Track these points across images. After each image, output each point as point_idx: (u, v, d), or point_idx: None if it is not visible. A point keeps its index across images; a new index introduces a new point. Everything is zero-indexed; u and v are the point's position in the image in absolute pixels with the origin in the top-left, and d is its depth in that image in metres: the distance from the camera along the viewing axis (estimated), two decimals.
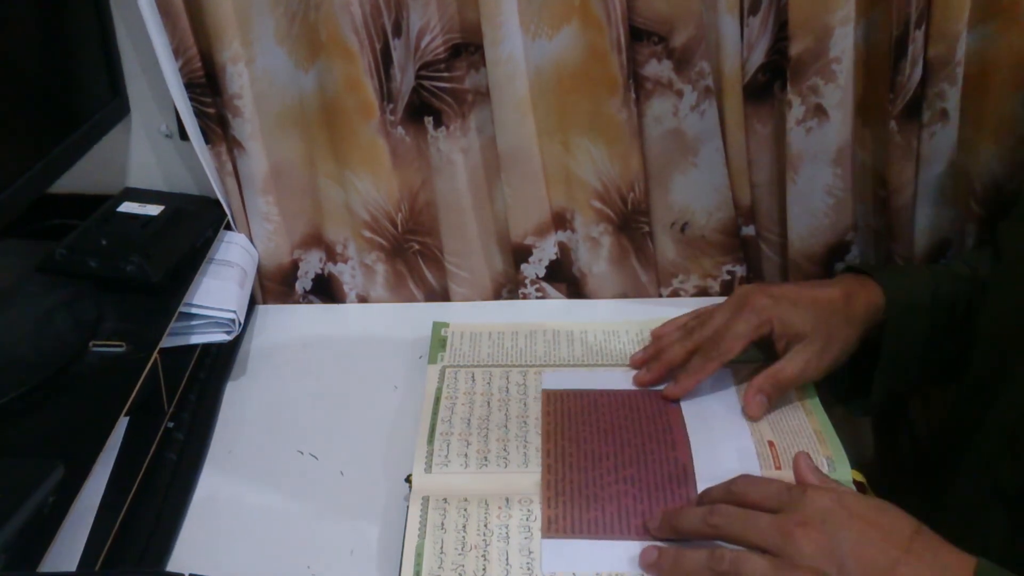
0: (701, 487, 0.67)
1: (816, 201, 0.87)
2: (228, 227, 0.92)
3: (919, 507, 0.67)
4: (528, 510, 0.67)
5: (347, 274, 0.96)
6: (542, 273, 0.94)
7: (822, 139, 0.84)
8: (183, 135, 0.89)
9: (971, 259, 0.81)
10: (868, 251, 0.92)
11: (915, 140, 0.82)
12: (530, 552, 0.63)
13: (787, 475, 0.69)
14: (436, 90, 0.85)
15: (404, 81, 0.86)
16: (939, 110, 0.82)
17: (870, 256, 0.92)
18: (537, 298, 0.95)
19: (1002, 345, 0.68)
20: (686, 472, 0.69)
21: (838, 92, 0.81)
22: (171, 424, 0.76)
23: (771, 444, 0.71)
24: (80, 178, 0.88)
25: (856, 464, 0.69)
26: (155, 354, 0.71)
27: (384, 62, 0.85)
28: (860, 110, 0.84)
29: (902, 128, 0.81)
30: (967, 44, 0.79)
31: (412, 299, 0.97)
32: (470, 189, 0.90)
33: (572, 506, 0.66)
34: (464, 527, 0.65)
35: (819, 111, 0.82)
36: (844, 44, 0.79)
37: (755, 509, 0.58)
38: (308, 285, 0.97)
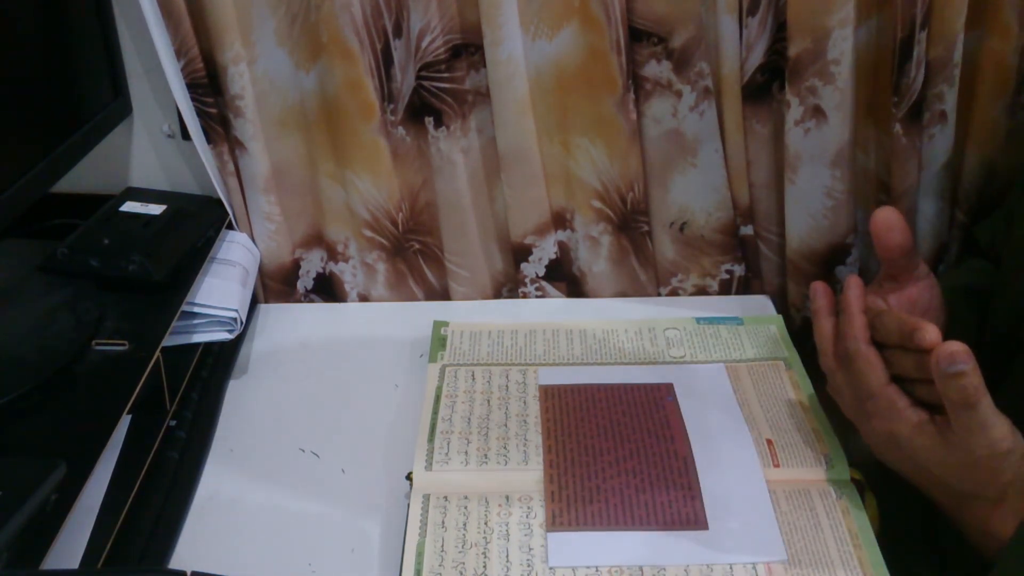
0: (702, 478, 0.68)
1: (815, 203, 0.87)
2: (230, 226, 0.92)
3: (918, 506, 0.67)
4: (528, 507, 0.67)
5: (348, 273, 0.97)
6: (542, 272, 0.94)
7: (820, 140, 0.84)
8: (185, 135, 0.89)
9: (970, 272, 0.81)
10: (869, 255, 0.92)
11: (918, 142, 0.82)
12: (530, 549, 0.64)
13: (785, 473, 0.69)
14: (436, 90, 0.85)
15: (405, 81, 0.86)
16: (938, 112, 0.82)
17: (870, 260, 0.92)
18: (537, 297, 0.96)
19: (1003, 349, 0.68)
20: (686, 464, 0.69)
21: (837, 94, 0.82)
22: (173, 422, 0.76)
23: (769, 442, 0.72)
24: (82, 178, 0.88)
25: (854, 463, 0.70)
26: (157, 353, 0.72)
27: (385, 63, 0.85)
28: (861, 113, 0.84)
29: (907, 131, 0.81)
30: None
31: (412, 298, 0.98)
32: (470, 189, 0.91)
33: (575, 499, 0.67)
34: (465, 525, 0.66)
35: (817, 112, 0.83)
36: (843, 46, 0.79)
37: None
38: (309, 284, 0.98)
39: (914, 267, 0.66)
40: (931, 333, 0.57)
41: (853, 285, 0.64)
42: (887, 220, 0.64)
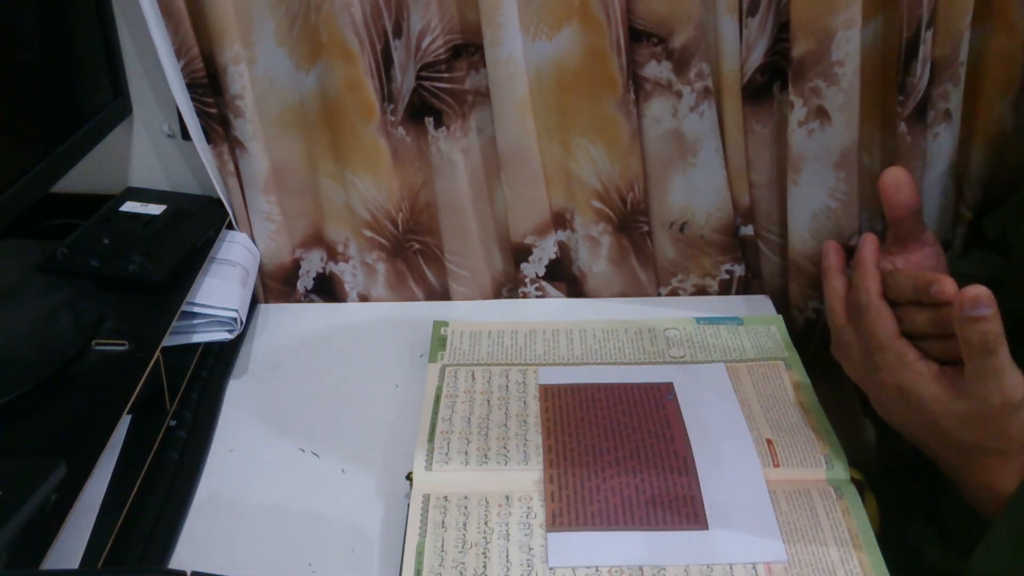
0: (702, 479, 0.68)
1: (818, 204, 0.87)
2: (230, 226, 0.92)
3: (919, 507, 0.67)
4: (528, 507, 0.67)
5: (348, 273, 0.97)
6: (542, 272, 0.94)
7: (824, 142, 0.84)
8: (185, 135, 0.89)
9: (976, 262, 0.81)
10: None
11: (922, 142, 0.82)
12: (530, 549, 0.64)
13: (785, 473, 0.69)
14: (436, 91, 0.85)
15: (404, 82, 0.86)
16: (943, 111, 0.82)
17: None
18: (537, 297, 0.96)
19: (1014, 339, 0.68)
20: (686, 464, 0.69)
21: (840, 95, 0.81)
22: (173, 422, 0.76)
23: (769, 442, 0.72)
24: (82, 178, 0.88)
25: (854, 463, 0.70)
26: (157, 353, 0.72)
27: (385, 63, 0.85)
28: (866, 113, 0.84)
29: (911, 130, 0.81)
30: None
31: (412, 298, 0.98)
32: (470, 189, 0.91)
33: (575, 499, 0.67)
34: (465, 525, 0.66)
35: (821, 113, 0.82)
36: (848, 47, 0.79)
37: None
38: (309, 284, 0.98)
39: (920, 231, 0.66)
40: (949, 285, 0.57)
41: (868, 241, 0.65)
42: (896, 179, 0.64)
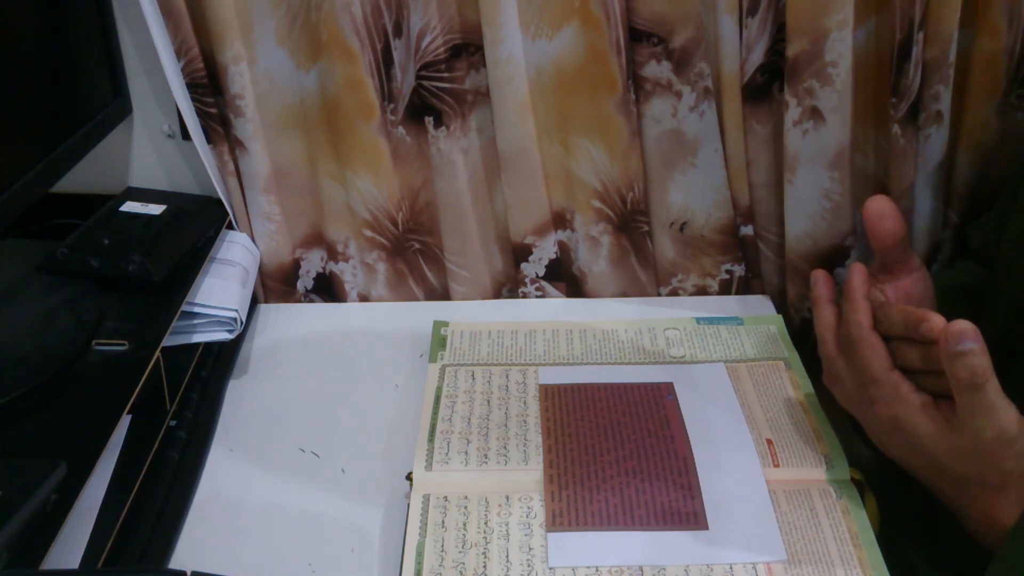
0: (702, 479, 0.68)
1: (813, 204, 0.87)
2: (230, 226, 0.92)
3: (918, 507, 0.67)
4: (528, 507, 0.67)
5: (348, 273, 0.97)
6: (542, 272, 0.94)
7: (818, 142, 0.84)
8: (185, 135, 0.89)
9: (961, 273, 0.81)
10: (868, 256, 0.92)
11: (915, 143, 0.82)
12: (530, 549, 0.64)
13: (785, 473, 0.69)
14: (436, 90, 0.85)
15: (405, 81, 0.86)
16: (934, 112, 0.82)
17: (869, 262, 0.92)
18: (537, 297, 0.96)
19: (1002, 350, 0.68)
20: (686, 464, 0.69)
21: (834, 96, 0.81)
22: (173, 422, 0.76)
23: (769, 442, 0.72)
24: (82, 178, 0.88)
25: (855, 463, 0.70)
26: (157, 353, 0.72)
27: (385, 62, 0.85)
28: (860, 114, 0.84)
29: (904, 132, 0.81)
30: None
31: (413, 298, 0.98)
32: (470, 189, 0.91)
33: (576, 499, 0.67)
34: (465, 525, 0.66)
35: (815, 113, 0.83)
36: (841, 48, 0.79)
37: None
38: (309, 284, 0.98)
39: (907, 257, 0.66)
40: (938, 323, 0.57)
41: (857, 272, 0.64)
42: (879, 208, 0.64)
